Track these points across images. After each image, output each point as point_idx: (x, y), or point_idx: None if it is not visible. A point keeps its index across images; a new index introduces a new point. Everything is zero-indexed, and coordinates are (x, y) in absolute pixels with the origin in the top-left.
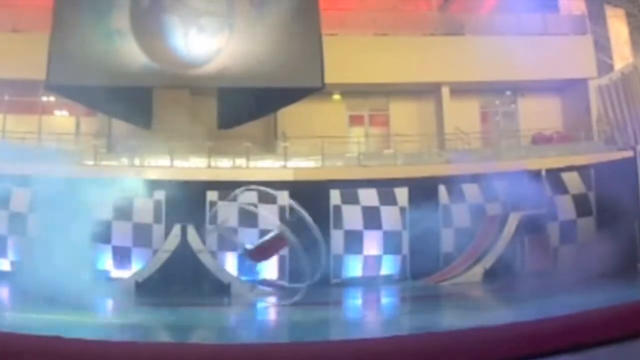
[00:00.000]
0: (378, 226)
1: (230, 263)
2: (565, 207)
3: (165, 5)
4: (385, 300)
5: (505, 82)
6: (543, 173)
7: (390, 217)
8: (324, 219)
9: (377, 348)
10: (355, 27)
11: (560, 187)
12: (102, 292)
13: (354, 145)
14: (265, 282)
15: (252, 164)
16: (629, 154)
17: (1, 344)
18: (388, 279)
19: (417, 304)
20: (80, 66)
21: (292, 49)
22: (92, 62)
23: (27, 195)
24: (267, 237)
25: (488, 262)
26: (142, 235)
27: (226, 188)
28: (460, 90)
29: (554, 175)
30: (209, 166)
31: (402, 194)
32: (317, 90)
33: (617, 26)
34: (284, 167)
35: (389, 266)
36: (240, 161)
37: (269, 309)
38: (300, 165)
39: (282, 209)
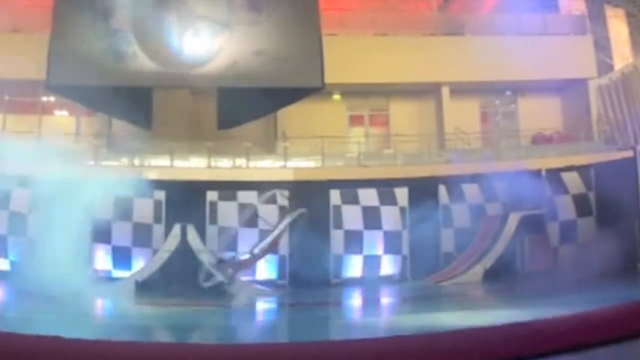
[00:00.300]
0: (378, 226)
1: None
2: (565, 207)
3: (165, 6)
4: (385, 300)
5: (505, 82)
6: (543, 173)
7: (390, 217)
8: (324, 219)
9: (377, 348)
10: (355, 27)
11: (560, 187)
12: (102, 292)
13: (354, 145)
14: (265, 282)
15: (252, 164)
16: (629, 154)
17: (1, 344)
18: (388, 279)
19: (417, 304)
20: (80, 66)
21: (292, 49)
22: (92, 62)
23: (27, 195)
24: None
25: (488, 262)
26: (142, 235)
27: (226, 188)
28: (460, 90)
29: (554, 175)
30: (209, 166)
31: (402, 194)
32: (317, 90)
33: (617, 26)
34: (284, 167)
35: (389, 266)
36: (240, 161)
37: (269, 308)
38: (300, 165)
39: (282, 209)
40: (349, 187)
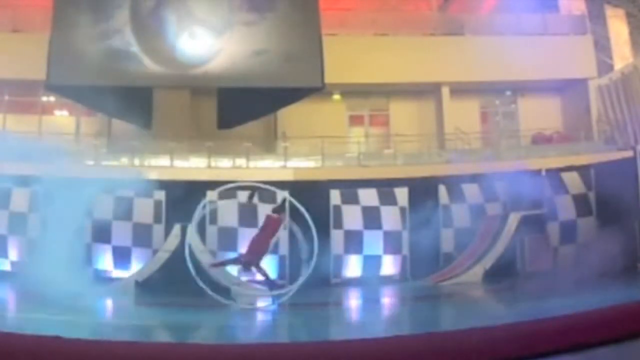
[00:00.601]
0: (378, 226)
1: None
2: (565, 207)
3: (165, 6)
4: (385, 300)
5: (505, 82)
6: (543, 173)
7: (390, 217)
8: (324, 219)
9: (377, 348)
10: (355, 27)
11: (560, 187)
12: (102, 292)
13: (354, 145)
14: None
15: (252, 164)
16: (629, 154)
17: (1, 344)
18: (388, 279)
19: (417, 304)
20: (80, 66)
21: (292, 49)
22: (92, 62)
23: (27, 195)
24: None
25: (488, 262)
26: (142, 235)
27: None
28: (460, 90)
29: (554, 175)
30: (209, 166)
31: (402, 194)
32: (317, 90)
33: (617, 26)
34: (284, 167)
35: (389, 266)
36: (240, 161)
37: (269, 309)
38: (300, 165)
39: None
40: (349, 187)
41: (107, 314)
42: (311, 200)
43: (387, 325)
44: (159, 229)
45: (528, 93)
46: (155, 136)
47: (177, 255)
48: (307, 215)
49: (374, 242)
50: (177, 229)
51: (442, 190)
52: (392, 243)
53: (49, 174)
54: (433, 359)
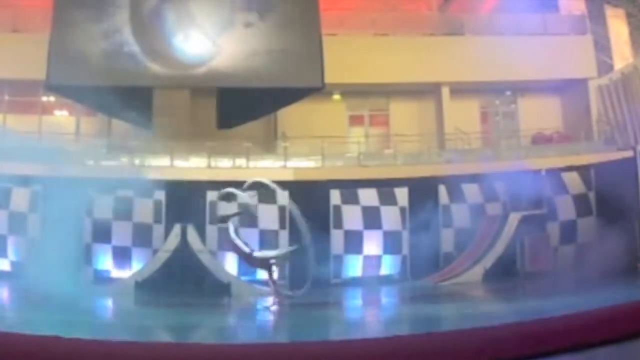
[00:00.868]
0: (378, 226)
1: (230, 263)
2: (565, 207)
3: (165, 6)
4: (385, 300)
5: (505, 82)
6: (543, 173)
7: (390, 217)
8: (324, 219)
9: (377, 348)
10: (355, 27)
11: (560, 187)
12: (102, 292)
13: (354, 145)
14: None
15: (252, 164)
16: (629, 154)
17: (1, 344)
18: (388, 279)
19: (417, 304)
20: (80, 66)
21: (292, 49)
22: (92, 62)
23: (27, 195)
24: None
25: (488, 262)
26: (142, 235)
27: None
28: (460, 90)
29: (554, 175)
30: (209, 166)
31: (402, 194)
32: (317, 90)
33: (617, 26)
34: (284, 167)
35: (389, 266)
36: (240, 161)
37: (269, 308)
38: (300, 165)
39: (281, 209)
40: (349, 187)
41: (107, 314)
42: (311, 200)
43: (387, 325)
44: (159, 229)
45: (528, 93)
46: (155, 136)
47: (177, 255)
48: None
49: (374, 242)
50: (177, 229)
51: (442, 190)
52: (392, 243)
53: (49, 174)
54: (433, 359)
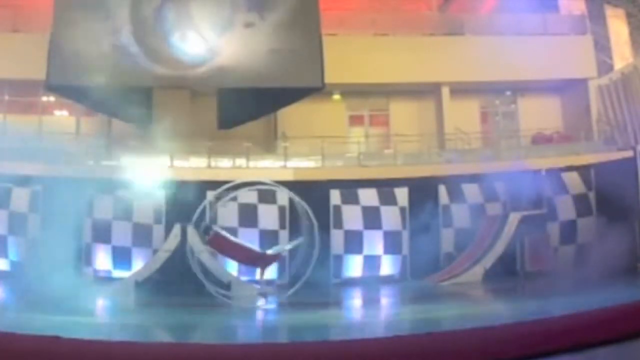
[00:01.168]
0: (378, 226)
1: (231, 263)
2: (565, 207)
3: (165, 6)
4: (385, 300)
5: (505, 82)
6: (543, 173)
7: (390, 217)
8: (324, 219)
9: (377, 348)
10: (355, 27)
11: (560, 187)
12: (102, 292)
13: (354, 145)
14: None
15: (252, 164)
16: (629, 154)
17: (1, 344)
18: (388, 279)
19: (417, 304)
20: (80, 66)
21: (292, 49)
22: (92, 62)
23: (27, 195)
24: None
25: (488, 262)
26: (142, 235)
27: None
28: (460, 90)
29: (554, 175)
30: (209, 166)
31: (402, 194)
32: (317, 90)
33: (617, 26)
34: (284, 167)
35: (389, 266)
36: (240, 161)
37: (269, 309)
38: (300, 165)
39: (281, 209)
40: (349, 187)
41: (107, 314)
42: (311, 200)
43: (387, 325)
44: (159, 229)
45: (528, 93)
46: (155, 136)
47: (177, 255)
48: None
49: (374, 242)
50: (177, 229)
51: (442, 190)
52: (392, 243)
53: (49, 174)
54: (433, 359)
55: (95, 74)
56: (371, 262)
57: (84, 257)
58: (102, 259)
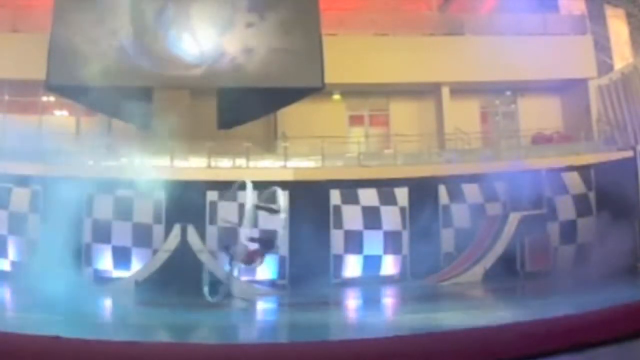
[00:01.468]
0: (378, 226)
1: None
2: (566, 207)
3: (166, 6)
4: (385, 300)
5: (505, 82)
6: (543, 173)
7: (390, 217)
8: (324, 219)
9: (377, 348)
10: (355, 27)
11: (560, 187)
12: (102, 292)
13: (354, 145)
14: (265, 282)
15: (252, 164)
16: (629, 154)
17: (1, 344)
18: (388, 279)
19: (417, 304)
20: (80, 66)
21: (292, 49)
22: (92, 62)
23: (27, 195)
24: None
25: (488, 262)
26: (142, 235)
27: (226, 188)
28: (460, 90)
29: (554, 175)
30: (209, 166)
31: (402, 194)
32: (317, 90)
33: (617, 26)
34: (284, 167)
35: (389, 266)
36: (240, 161)
37: (269, 308)
38: (300, 165)
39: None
40: (349, 187)
41: (107, 314)
42: (311, 200)
43: (387, 325)
44: (159, 229)
45: (528, 93)
46: (155, 136)
47: (177, 255)
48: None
49: (374, 242)
50: (177, 229)
51: (442, 190)
52: (392, 243)
53: (49, 174)
54: (433, 359)
55: (95, 74)
56: (371, 262)
57: (84, 257)
58: (102, 259)
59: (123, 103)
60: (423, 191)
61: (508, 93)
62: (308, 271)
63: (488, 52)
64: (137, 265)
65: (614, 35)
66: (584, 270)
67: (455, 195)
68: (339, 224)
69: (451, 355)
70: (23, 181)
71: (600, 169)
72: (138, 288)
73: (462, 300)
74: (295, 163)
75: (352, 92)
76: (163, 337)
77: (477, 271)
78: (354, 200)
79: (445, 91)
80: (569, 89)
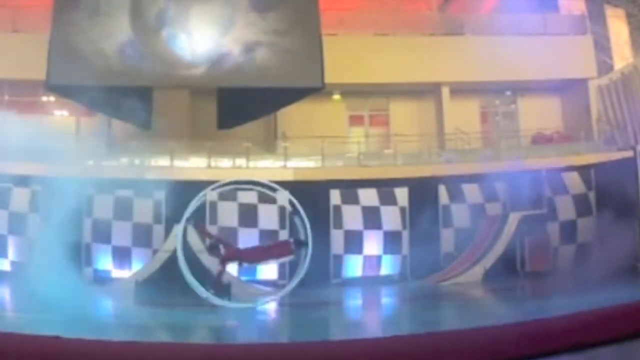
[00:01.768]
0: (378, 226)
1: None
2: (566, 207)
3: (166, 6)
4: (385, 300)
5: (505, 82)
6: (543, 173)
7: (390, 217)
8: (324, 219)
9: (377, 348)
10: (355, 27)
11: (560, 187)
12: (102, 292)
13: (354, 145)
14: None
15: (252, 164)
16: (629, 154)
17: (1, 344)
18: (388, 279)
19: (417, 304)
20: (80, 66)
21: (292, 49)
22: (92, 62)
23: (27, 195)
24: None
25: (488, 262)
26: (142, 235)
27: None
28: (460, 90)
29: (554, 175)
30: (209, 166)
31: (402, 194)
32: (317, 90)
33: (617, 26)
34: (284, 167)
35: (389, 266)
36: (240, 161)
37: (269, 308)
38: (300, 165)
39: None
40: (349, 187)
41: (107, 314)
42: (311, 200)
43: (387, 325)
44: (159, 229)
45: (528, 93)
46: (155, 136)
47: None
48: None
49: (374, 242)
50: (177, 229)
51: (442, 190)
52: (392, 243)
53: (49, 174)
54: (433, 359)
55: (95, 74)
56: (371, 262)
57: (84, 257)
58: (102, 259)
59: (123, 103)
60: (423, 191)
61: (508, 93)
62: (308, 271)
63: (488, 52)
64: (137, 265)
65: (614, 35)
66: (584, 270)
67: (455, 195)
68: (339, 224)
69: (451, 355)
70: (23, 181)
71: (600, 169)
72: (138, 288)
73: (462, 300)
74: (295, 163)
75: (352, 92)
76: (163, 337)
77: (477, 271)
78: (354, 200)
79: (445, 91)
80: (569, 89)
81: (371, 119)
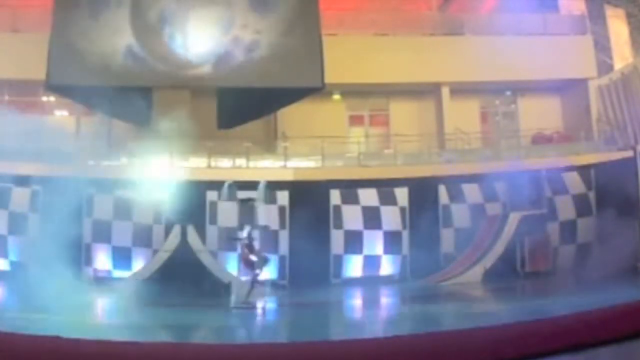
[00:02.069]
0: (378, 226)
1: (230, 263)
2: (566, 207)
3: (166, 6)
4: (385, 300)
5: (505, 82)
6: (543, 173)
7: (390, 217)
8: (324, 219)
9: (377, 348)
10: (355, 27)
11: (560, 187)
12: (102, 292)
13: (354, 145)
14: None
15: (252, 164)
16: (629, 154)
17: (1, 344)
18: (388, 279)
19: (417, 304)
20: (80, 66)
21: (292, 49)
22: (92, 62)
23: (27, 195)
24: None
25: (488, 262)
26: (142, 235)
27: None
28: (460, 90)
29: (554, 175)
30: (209, 166)
31: (402, 194)
32: (317, 90)
33: (617, 26)
34: (284, 167)
35: (389, 266)
36: (240, 161)
37: (269, 308)
38: (300, 165)
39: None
40: (349, 187)
41: (107, 314)
42: (311, 200)
43: (387, 325)
44: (159, 229)
45: (528, 93)
46: (155, 136)
47: (177, 255)
48: None
49: (374, 242)
50: (177, 229)
51: (442, 190)
52: (392, 243)
53: (49, 174)
54: (433, 359)
55: (95, 74)
56: (371, 262)
57: (84, 257)
58: (102, 259)
59: (123, 103)
60: (423, 191)
61: (508, 93)
62: (308, 271)
63: (488, 52)
64: (137, 265)
65: (614, 35)
66: (584, 270)
67: (455, 195)
68: (339, 224)
69: (451, 355)
70: (23, 181)
71: (600, 169)
72: (138, 288)
73: (462, 301)
74: (295, 163)
75: (352, 92)
76: (163, 337)
77: (477, 271)
78: (354, 200)
79: (445, 91)
80: (569, 89)
81: (371, 119)
